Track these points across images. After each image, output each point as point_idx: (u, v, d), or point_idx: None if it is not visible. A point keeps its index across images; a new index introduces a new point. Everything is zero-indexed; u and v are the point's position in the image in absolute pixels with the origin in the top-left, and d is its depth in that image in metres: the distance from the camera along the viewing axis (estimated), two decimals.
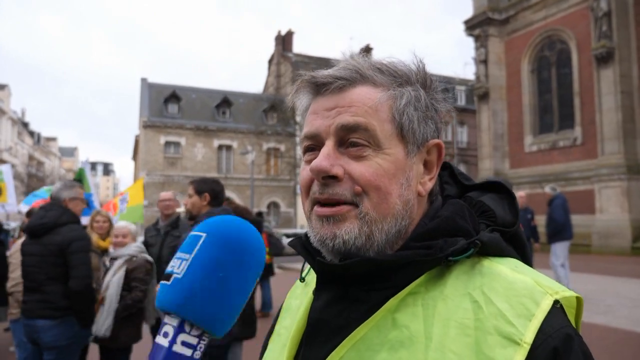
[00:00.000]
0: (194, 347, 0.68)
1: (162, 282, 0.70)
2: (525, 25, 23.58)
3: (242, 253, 0.69)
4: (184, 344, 0.68)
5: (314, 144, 0.78)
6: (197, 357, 0.69)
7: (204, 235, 0.70)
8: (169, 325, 0.68)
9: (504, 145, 24.38)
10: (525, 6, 23.47)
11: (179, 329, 0.67)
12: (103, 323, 3.97)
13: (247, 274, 0.69)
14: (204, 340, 0.69)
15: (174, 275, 0.68)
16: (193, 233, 0.71)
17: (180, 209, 5.63)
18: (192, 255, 0.68)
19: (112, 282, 4.13)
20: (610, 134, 19.27)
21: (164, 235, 5.00)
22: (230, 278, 0.68)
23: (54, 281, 3.57)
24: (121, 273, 4.18)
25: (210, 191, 3.49)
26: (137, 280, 4.21)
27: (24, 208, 7.84)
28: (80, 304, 3.56)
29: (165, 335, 0.69)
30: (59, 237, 3.56)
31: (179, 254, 0.70)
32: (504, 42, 24.64)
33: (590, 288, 9.88)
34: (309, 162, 0.78)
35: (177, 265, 0.69)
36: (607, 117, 19.39)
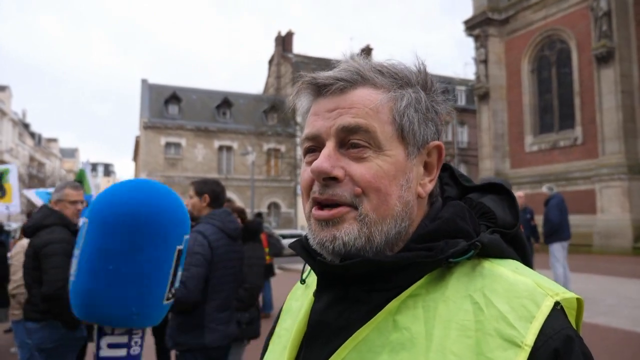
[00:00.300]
0: (126, 346, 0.61)
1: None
2: (525, 25, 23.60)
3: (132, 234, 0.57)
4: (111, 346, 0.61)
5: (315, 145, 0.79)
6: (136, 352, 0.62)
7: (85, 221, 0.59)
8: (94, 329, 0.60)
9: (505, 145, 24.39)
10: (525, 6, 23.49)
11: (100, 333, 0.60)
12: None
13: (147, 257, 0.57)
14: (135, 334, 0.62)
15: (70, 278, 0.58)
16: (81, 221, 0.59)
17: None
18: (79, 251, 0.57)
19: None
20: (611, 134, 19.28)
21: None
22: (125, 267, 0.56)
23: (35, 284, 3.55)
24: None
25: (211, 192, 3.49)
26: None
27: (34, 197, 7.85)
28: (55, 308, 3.48)
29: (93, 340, 0.61)
30: (37, 239, 3.53)
31: (75, 250, 0.59)
32: (504, 42, 24.66)
33: (591, 288, 9.87)
34: (309, 163, 0.78)
35: (72, 265, 0.58)
36: (607, 116, 19.40)
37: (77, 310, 0.58)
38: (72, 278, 0.59)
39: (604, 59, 19.41)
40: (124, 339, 0.61)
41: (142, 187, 0.62)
